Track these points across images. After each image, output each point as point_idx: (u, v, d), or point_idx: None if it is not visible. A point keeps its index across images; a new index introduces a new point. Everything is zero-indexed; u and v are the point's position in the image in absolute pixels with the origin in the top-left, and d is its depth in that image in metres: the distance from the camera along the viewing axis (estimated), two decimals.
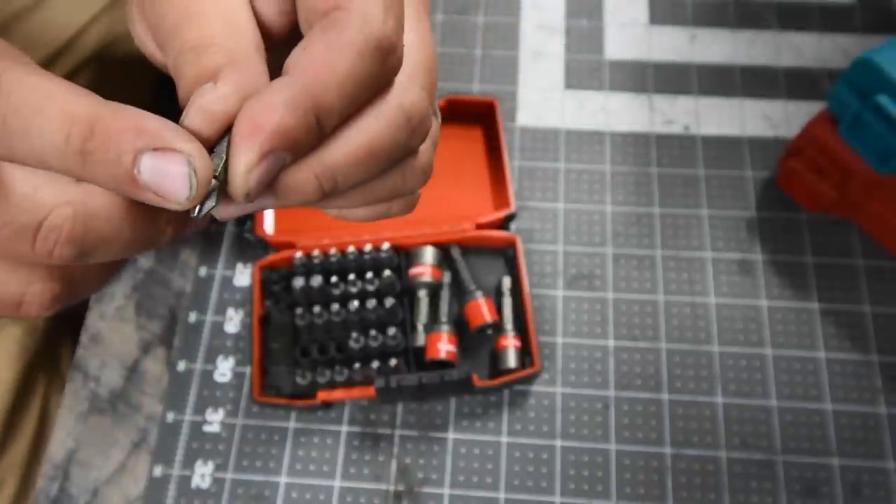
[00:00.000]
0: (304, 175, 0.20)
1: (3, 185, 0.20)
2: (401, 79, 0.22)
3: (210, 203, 0.20)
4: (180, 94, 0.21)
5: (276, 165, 0.20)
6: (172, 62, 0.21)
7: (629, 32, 0.52)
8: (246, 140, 0.19)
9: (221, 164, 0.19)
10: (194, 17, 0.21)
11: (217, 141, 0.20)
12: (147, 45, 0.26)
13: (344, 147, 0.21)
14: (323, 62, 0.20)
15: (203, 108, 0.20)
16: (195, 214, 0.20)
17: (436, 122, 0.25)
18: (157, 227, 0.23)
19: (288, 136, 0.19)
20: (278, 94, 0.19)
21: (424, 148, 0.24)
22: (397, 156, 0.22)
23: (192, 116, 0.20)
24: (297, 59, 0.20)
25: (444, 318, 0.41)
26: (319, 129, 0.20)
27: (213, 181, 0.19)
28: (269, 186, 0.20)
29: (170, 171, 0.19)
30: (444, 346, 0.40)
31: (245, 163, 0.19)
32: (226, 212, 0.21)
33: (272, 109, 0.19)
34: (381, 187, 0.23)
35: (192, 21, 0.21)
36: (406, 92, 0.22)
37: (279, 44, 0.23)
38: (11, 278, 0.23)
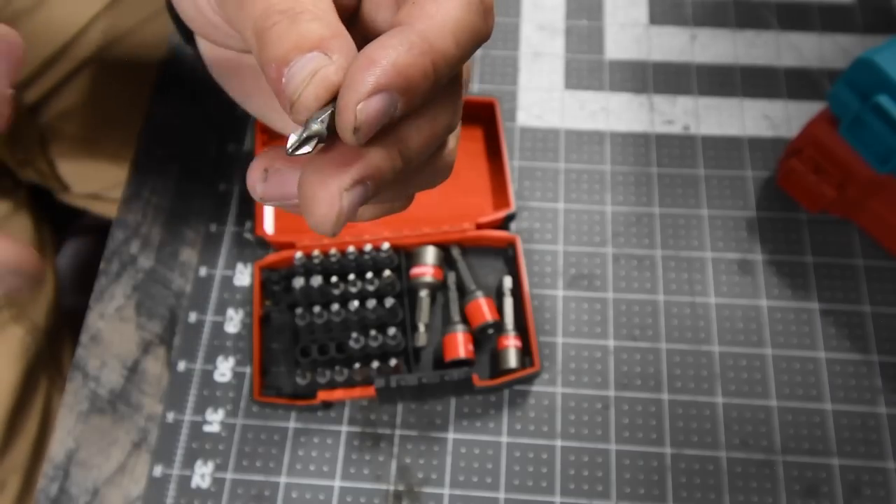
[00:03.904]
0: (394, 151, 0.21)
1: None
2: None
3: (306, 149, 0.20)
4: (266, 55, 0.20)
5: (388, 107, 0.19)
6: (254, 24, 0.21)
7: (629, 32, 0.52)
8: (360, 72, 0.19)
9: (328, 114, 0.20)
10: None
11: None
12: (202, 8, 0.25)
13: (418, 124, 0.21)
14: (435, 10, 0.20)
15: (326, 77, 0.20)
16: (289, 151, 0.20)
17: None
18: None
19: (403, 75, 0.19)
20: (394, 37, 0.20)
21: (452, 143, 0.25)
22: (442, 140, 0.23)
23: (316, 85, 0.20)
24: (408, 12, 0.21)
25: (456, 318, 0.41)
26: (434, 76, 0.20)
27: (316, 127, 0.19)
28: (366, 170, 0.20)
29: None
30: (464, 346, 0.40)
31: (360, 91, 0.19)
32: (342, 215, 0.20)
33: (388, 48, 0.19)
34: (419, 175, 0.24)
35: None
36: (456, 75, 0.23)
37: (343, 22, 0.23)
38: None
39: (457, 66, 0.21)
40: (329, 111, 0.20)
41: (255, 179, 0.22)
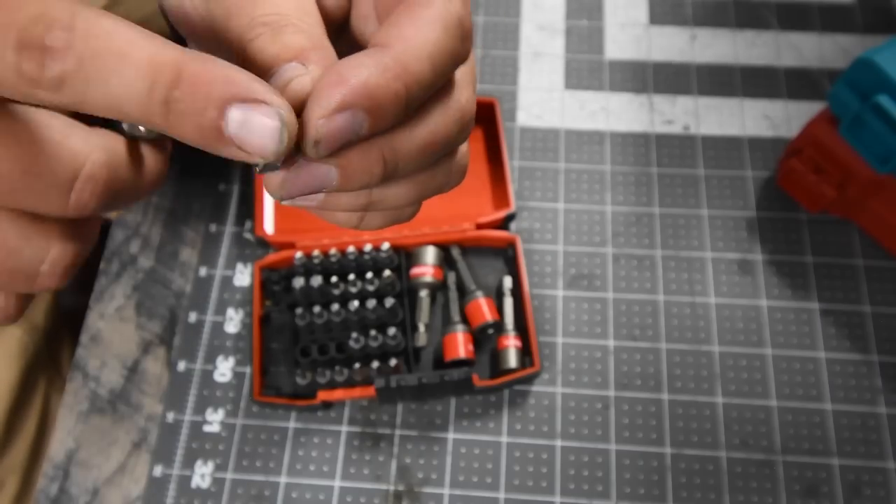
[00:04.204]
0: (373, 153, 0.20)
1: (36, 133, 0.18)
2: (456, 77, 0.23)
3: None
4: (249, 67, 0.21)
5: (353, 125, 0.19)
6: (240, 34, 0.21)
7: (629, 32, 0.52)
8: (328, 88, 0.19)
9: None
10: None
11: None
12: (187, 14, 0.25)
13: (409, 132, 0.21)
14: (413, 34, 0.20)
15: (301, 88, 0.20)
16: (258, 171, 0.20)
17: None
18: (162, 170, 0.22)
19: (372, 96, 0.19)
20: (370, 57, 0.19)
21: (464, 148, 0.25)
22: (447, 150, 0.23)
23: (288, 94, 0.20)
24: (386, 33, 0.20)
25: (456, 318, 0.41)
26: (407, 100, 0.20)
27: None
28: (335, 158, 0.20)
29: (258, 123, 0.18)
30: (464, 346, 0.40)
31: (324, 107, 0.19)
32: (289, 183, 0.20)
33: (360, 67, 0.19)
34: (431, 182, 0.24)
35: (264, 0, 0.21)
36: (462, 89, 0.23)
37: (332, 33, 0.23)
38: (26, 245, 0.20)
39: (432, 89, 0.21)
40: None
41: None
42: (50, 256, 0.20)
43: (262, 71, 0.20)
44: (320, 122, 0.19)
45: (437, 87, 0.21)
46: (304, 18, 0.21)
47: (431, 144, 0.22)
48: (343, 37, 0.25)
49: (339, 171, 0.20)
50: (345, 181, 0.21)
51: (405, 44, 0.20)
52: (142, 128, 0.20)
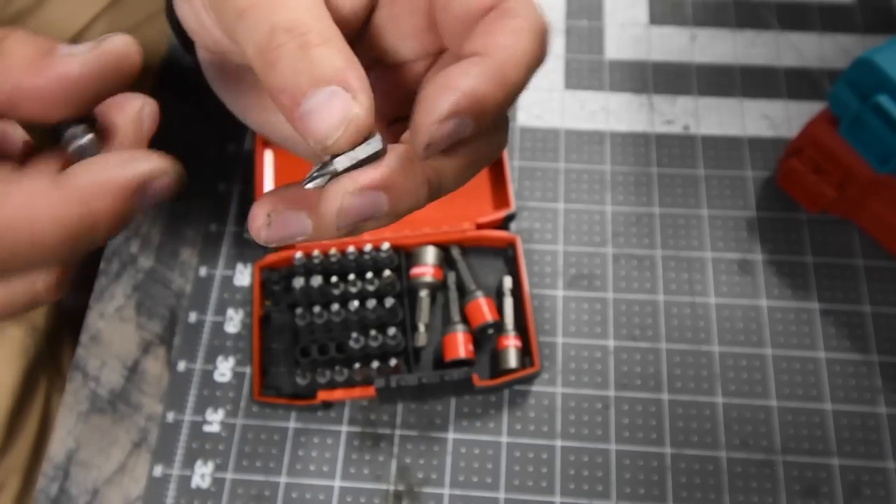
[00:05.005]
0: (419, 177, 0.21)
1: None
2: None
3: (320, 181, 0.21)
4: (276, 81, 0.20)
5: (460, 129, 0.20)
6: (258, 44, 0.21)
7: (629, 32, 0.52)
8: (439, 95, 0.20)
9: (350, 165, 0.20)
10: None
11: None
12: (203, 21, 0.26)
13: (453, 152, 0.22)
14: (510, 43, 0.21)
15: (359, 124, 0.20)
16: (306, 185, 0.20)
17: None
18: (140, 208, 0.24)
19: (479, 103, 0.20)
20: (475, 66, 0.20)
21: None
22: (486, 165, 0.24)
23: (351, 133, 0.20)
24: (482, 42, 0.21)
25: (456, 318, 0.41)
26: (505, 106, 0.21)
27: (332, 168, 0.20)
28: (383, 183, 0.20)
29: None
30: (464, 346, 0.40)
31: (437, 112, 0.20)
32: (345, 211, 0.20)
33: (467, 75, 0.20)
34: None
35: (280, 3, 0.21)
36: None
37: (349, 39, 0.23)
38: (18, 284, 0.24)
39: (519, 95, 0.22)
40: (349, 153, 0.20)
41: (260, 225, 0.23)
42: (38, 284, 0.24)
43: (297, 91, 0.20)
44: (433, 126, 0.20)
45: (522, 92, 0.22)
46: (322, 20, 0.21)
47: (476, 162, 0.23)
48: (359, 47, 0.25)
49: (388, 197, 0.21)
50: (393, 205, 0.21)
51: (504, 53, 0.21)
52: (80, 141, 0.24)
